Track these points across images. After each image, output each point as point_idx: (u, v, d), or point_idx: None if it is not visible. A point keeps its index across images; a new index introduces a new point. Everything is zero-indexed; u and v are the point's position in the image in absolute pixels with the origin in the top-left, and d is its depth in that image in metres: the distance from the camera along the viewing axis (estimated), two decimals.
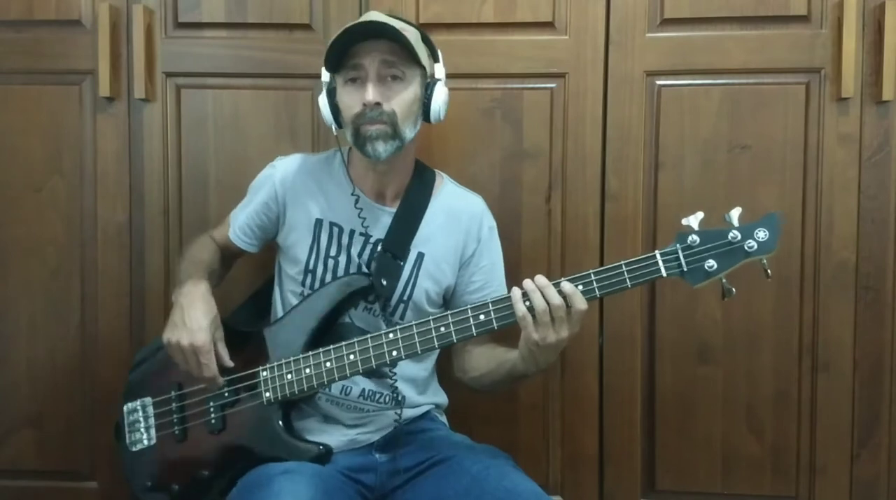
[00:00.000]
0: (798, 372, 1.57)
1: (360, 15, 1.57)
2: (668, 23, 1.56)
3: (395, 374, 1.30)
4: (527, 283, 1.13)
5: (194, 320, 1.23)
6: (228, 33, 1.62)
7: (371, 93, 1.21)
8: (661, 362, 1.59)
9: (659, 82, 1.57)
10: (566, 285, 1.12)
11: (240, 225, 1.39)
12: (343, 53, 1.23)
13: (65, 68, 1.63)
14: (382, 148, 1.22)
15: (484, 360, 1.31)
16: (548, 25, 1.58)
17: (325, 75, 1.29)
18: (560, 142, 1.58)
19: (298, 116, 1.61)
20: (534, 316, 1.11)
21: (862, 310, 1.55)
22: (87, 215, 1.64)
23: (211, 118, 1.63)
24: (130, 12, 1.59)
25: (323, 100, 1.29)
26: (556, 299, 1.11)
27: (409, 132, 1.26)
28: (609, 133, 1.57)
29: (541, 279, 1.12)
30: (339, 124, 1.29)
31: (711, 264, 1.12)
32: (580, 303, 1.11)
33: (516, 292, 1.13)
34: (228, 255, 1.44)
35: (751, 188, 1.55)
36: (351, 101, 1.24)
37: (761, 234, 1.11)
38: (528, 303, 1.12)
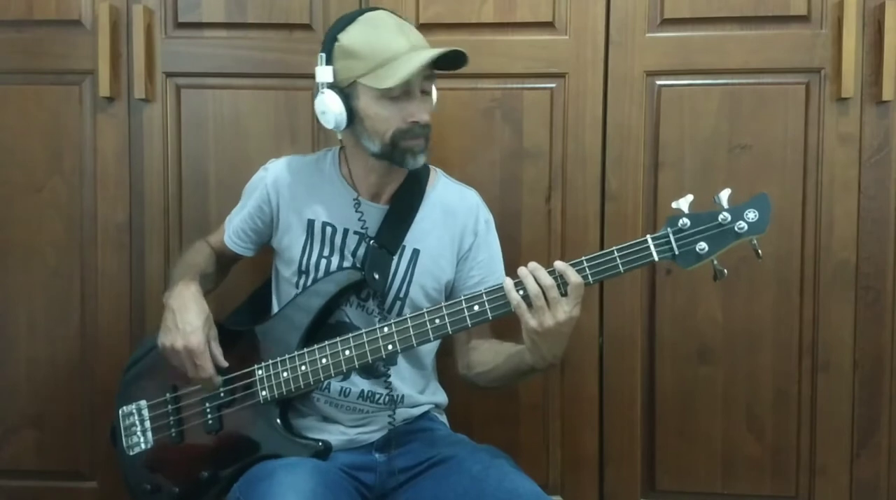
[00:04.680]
0: (798, 372, 1.57)
1: None
2: (668, 23, 1.56)
3: (388, 370, 1.30)
4: (520, 270, 1.13)
5: (187, 322, 1.23)
6: (228, 33, 1.62)
7: (424, 113, 1.23)
8: (661, 362, 1.59)
9: (659, 82, 1.57)
10: (558, 264, 1.12)
11: (234, 229, 1.39)
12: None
13: (65, 68, 1.63)
14: (423, 160, 1.25)
15: (491, 355, 1.31)
16: (548, 25, 1.58)
17: (328, 75, 1.24)
18: (560, 142, 1.58)
19: (298, 116, 1.61)
20: (529, 302, 1.11)
21: (862, 310, 1.55)
22: (87, 215, 1.64)
23: (211, 118, 1.63)
24: (130, 12, 1.60)
25: (336, 102, 1.23)
26: (548, 280, 1.11)
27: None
28: (609, 133, 1.57)
29: (532, 264, 1.13)
30: (346, 125, 1.25)
31: (703, 246, 1.12)
32: (574, 277, 1.11)
33: (508, 281, 1.13)
34: (225, 260, 1.44)
35: (751, 188, 1.54)
36: (390, 114, 1.21)
37: (751, 215, 1.11)
38: (521, 292, 1.12)
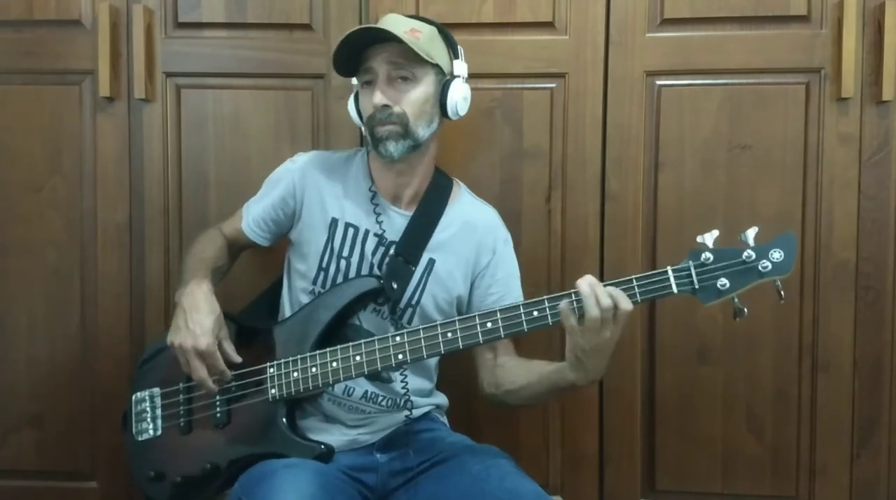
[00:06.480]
0: (798, 372, 1.57)
1: (360, 15, 1.59)
2: (668, 23, 1.56)
3: (405, 376, 1.31)
4: (583, 287, 1.10)
5: (197, 323, 1.23)
6: (228, 33, 1.62)
7: (378, 96, 1.24)
8: (661, 362, 1.59)
9: (659, 82, 1.57)
10: (609, 288, 1.10)
11: (254, 218, 1.39)
12: (352, 58, 1.26)
13: (65, 68, 1.63)
14: (394, 148, 1.24)
15: (522, 372, 1.29)
16: (548, 25, 1.58)
17: (355, 79, 1.32)
18: (560, 142, 1.58)
19: (298, 116, 1.61)
20: (582, 323, 1.10)
21: (862, 310, 1.55)
22: (87, 215, 1.64)
23: (211, 118, 1.63)
24: (130, 12, 1.59)
25: (351, 102, 1.35)
26: (607, 301, 1.09)
27: (422, 131, 1.27)
28: (609, 133, 1.57)
29: (589, 279, 1.11)
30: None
31: (724, 282, 1.10)
32: (626, 303, 1.09)
33: (565, 304, 1.11)
34: (237, 247, 1.44)
35: (751, 188, 1.55)
36: (365, 103, 1.27)
37: (776, 254, 1.10)
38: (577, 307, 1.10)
